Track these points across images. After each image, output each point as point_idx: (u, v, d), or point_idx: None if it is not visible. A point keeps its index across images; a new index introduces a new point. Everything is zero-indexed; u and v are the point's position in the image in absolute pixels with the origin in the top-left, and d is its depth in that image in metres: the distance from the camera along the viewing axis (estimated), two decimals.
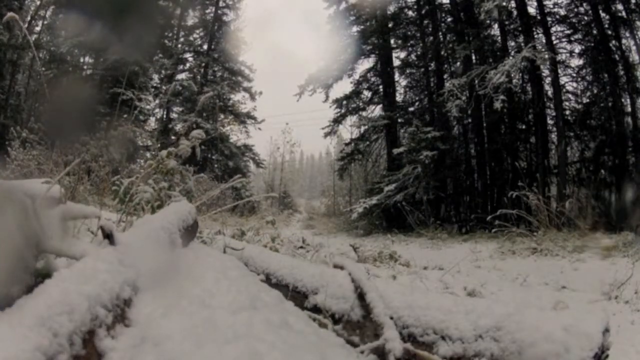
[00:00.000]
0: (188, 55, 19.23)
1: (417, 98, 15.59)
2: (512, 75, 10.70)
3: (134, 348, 1.29)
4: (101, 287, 1.34)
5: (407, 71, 15.64)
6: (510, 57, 10.79)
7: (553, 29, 12.04)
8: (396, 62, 15.71)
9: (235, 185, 12.40)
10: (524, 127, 12.89)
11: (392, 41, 15.62)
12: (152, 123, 18.07)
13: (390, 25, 15.40)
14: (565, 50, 12.21)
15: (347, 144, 16.91)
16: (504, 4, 10.56)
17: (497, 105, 10.52)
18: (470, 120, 13.26)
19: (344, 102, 16.26)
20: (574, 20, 11.98)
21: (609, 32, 11.23)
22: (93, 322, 1.22)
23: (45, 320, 1.07)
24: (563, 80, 12.15)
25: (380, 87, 16.10)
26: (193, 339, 1.39)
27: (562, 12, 12.04)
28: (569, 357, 1.48)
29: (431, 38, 14.78)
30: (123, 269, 1.54)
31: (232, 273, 2.14)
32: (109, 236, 1.68)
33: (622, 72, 11.20)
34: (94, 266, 1.42)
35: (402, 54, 15.73)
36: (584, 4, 11.64)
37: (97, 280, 1.35)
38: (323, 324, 2.09)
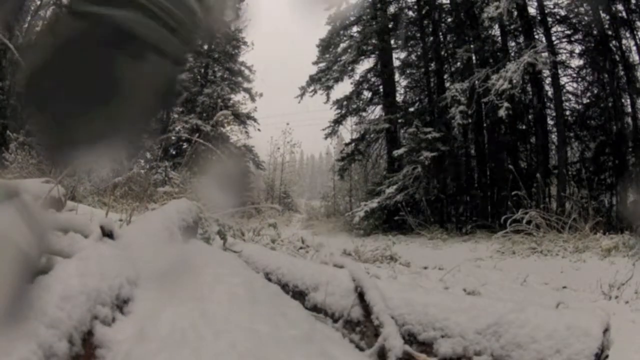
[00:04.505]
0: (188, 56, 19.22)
1: (417, 98, 15.56)
2: (515, 80, 10.66)
3: (133, 340, 1.29)
4: (101, 283, 1.34)
5: (407, 71, 15.61)
6: (512, 62, 10.77)
7: (553, 29, 12.03)
8: (396, 63, 15.69)
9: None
10: (524, 127, 12.87)
11: (392, 41, 15.61)
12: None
13: (390, 25, 15.39)
14: (565, 51, 12.21)
15: (347, 145, 16.88)
16: (506, 8, 10.54)
17: (502, 112, 10.49)
18: (470, 121, 13.25)
19: (344, 103, 16.25)
20: (574, 20, 11.97)
21: (609, 33, 11.23)
22: (93, 316, 1.22)
23: (45, 317, 1.06)
24: (563, 80, 12.14)
25: (381, 87, 16.08)
26: (191, 331, 1.39)
27: (563, 12, 12.04)
28: (569, 355, 1.48)
29: (431, 38, 14.77)
30: (123, 264, 1.54)
31: (231, 269, 2.14)
32: (109, 234, 1.68)
33: (622, 73, 11.19)
34: (94, 262, 1.42)
35: (402, 55, 15.70)
36: (584, 4, 11.64)
37: (96, 276, 1.35)
38: (323, 321, 2.09)
